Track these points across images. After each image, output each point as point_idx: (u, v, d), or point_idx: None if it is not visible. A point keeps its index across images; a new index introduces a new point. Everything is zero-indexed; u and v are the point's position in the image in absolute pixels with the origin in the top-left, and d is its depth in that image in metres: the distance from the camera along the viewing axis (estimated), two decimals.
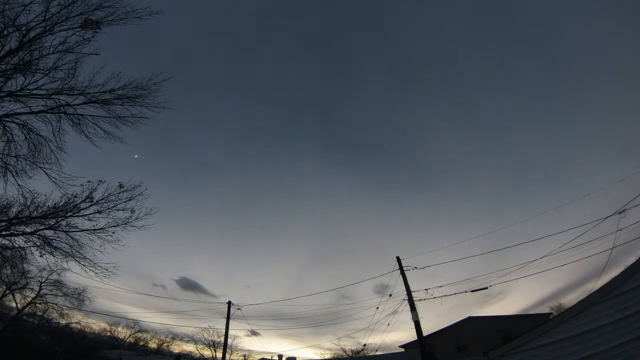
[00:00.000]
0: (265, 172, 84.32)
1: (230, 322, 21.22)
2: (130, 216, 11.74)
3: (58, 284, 24.20)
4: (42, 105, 10.07)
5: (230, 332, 21.73)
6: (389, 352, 31.76)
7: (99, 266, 11.72)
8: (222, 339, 22.96)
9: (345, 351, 36.61)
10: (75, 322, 28.46)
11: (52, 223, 11.30)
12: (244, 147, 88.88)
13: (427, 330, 25.30)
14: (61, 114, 10.35)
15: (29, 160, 10.53)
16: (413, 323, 13.81)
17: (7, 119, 9.89)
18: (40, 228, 11.33)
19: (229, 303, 21.59)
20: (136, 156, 55.83)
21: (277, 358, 35.72)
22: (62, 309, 25.26)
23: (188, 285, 63.15)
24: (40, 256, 11.69)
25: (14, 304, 24.83)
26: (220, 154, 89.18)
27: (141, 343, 41.08)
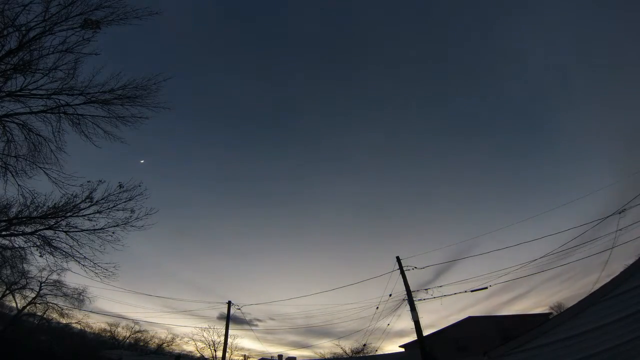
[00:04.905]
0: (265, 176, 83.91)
1: (230, 320, 21.29)
2: (130, 216, 11.83)
3: (58, 284, 24.25)
4: (42, 105, 10.10)
5: (230, 331, 21.77)
6: (389, 352, 31.82)
7: (99, 266, 11.78)
8: (222, 339, 22.99)
9: (345, 351, 36.64)
10: (75, 322, 28.50)
11: (52, 223, 11.33)
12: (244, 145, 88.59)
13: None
14: (61, 114, 10.37)
15: (29, 160, 10.57)
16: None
17: (7, 119, 9.91)
18: (40, 228, 11.37)
19: (229, 303, 21.60)
20: (142, 161, 52.77)
21: (277, 358, 35.78)
22: (62, 309, 25.33)
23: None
24: (40, 256, 11.76)
25: (14, 304, 24.89)
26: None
27: (141, 343, 41.09)
